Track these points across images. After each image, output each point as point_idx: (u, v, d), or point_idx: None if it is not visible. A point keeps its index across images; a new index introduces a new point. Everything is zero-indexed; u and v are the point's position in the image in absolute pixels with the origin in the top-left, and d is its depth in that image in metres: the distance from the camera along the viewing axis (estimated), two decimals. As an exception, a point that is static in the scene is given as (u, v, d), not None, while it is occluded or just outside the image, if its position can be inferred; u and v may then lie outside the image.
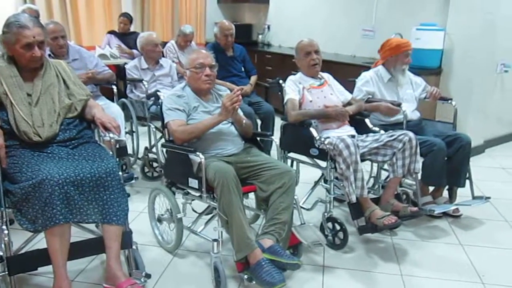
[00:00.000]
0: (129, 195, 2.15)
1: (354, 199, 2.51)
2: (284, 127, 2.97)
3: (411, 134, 2.72)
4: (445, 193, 3.19)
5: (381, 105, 3.09)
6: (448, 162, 3.03)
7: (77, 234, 2.22)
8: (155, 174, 3.72)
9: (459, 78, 4.50)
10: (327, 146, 2.62)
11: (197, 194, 2.38)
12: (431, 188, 3.18)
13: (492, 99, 4.71)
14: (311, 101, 2.90)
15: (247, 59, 4.32)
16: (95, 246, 2.09)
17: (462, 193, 3.21)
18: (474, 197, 3.20)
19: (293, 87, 2.91)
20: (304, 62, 2.96)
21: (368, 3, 5.42)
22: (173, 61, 4.32)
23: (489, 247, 2.79)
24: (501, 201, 3.37)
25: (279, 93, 3.04)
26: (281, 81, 3.02)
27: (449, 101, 3.35)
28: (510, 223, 3.11)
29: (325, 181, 3.10)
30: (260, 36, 6.78)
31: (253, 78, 4.29)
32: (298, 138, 2.85)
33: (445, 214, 3.14)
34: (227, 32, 4.04)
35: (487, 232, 2.99)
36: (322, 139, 2.69)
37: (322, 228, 2.72)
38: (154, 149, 3.67)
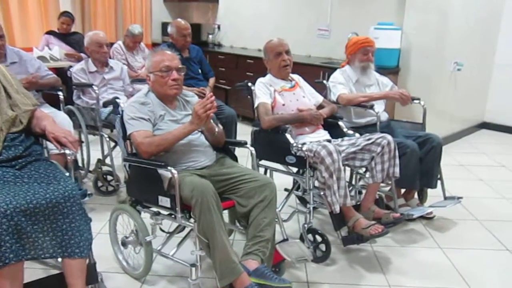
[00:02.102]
0: (91, 220, 1.85)
1: (338, 209, 2.35)
2: (256, 133, 2.76)
3: (389, 137, 2.61)
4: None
5: (303, 115, 2.70)
6: (419, 163, 2.97)
7: (32, 270, 1.88)
8: (110, 189, 3.38)
9: (416, 77, 4.53)
10: (306, 153, 2.45)
11: (169, 213, 2.11)
12: (402, 190, 3.12)
13: (447, 97, 4.79)
14: (283, 104, 2.71)
15: (204, 61, 4.06)
16: (55, 285, 1.76)
17: (431, 193, 3.18)
18: (445, 198, 3.16)
19: (264, 90, 2.71)
20: (274, 63, 2.77)
21: (323, 2, 5.35)
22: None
23: (467, 248, 2.75)
24: (468, 200, 3.36)
25: (248, 96, 2.82)
26: (250, 84, 2.80)
27: (417, 101, 3.30)
28: (481, 222, 3.10)
29: (298, 189, 2.95)
30: (210, 36, 6.52)
31: (212, 81, 4.05)
32: (272, 145, 2.66)
33: (419, 216, 3.08)
34: (185, 32, 3.76)
35: (462, 233, 2.96)
36: (299, 146, 2.52)
37: (301, 240, 2.54)
38: (108, 161, 3.33)
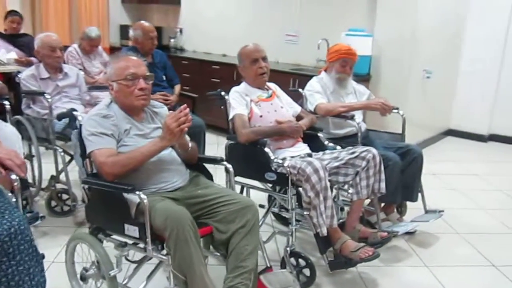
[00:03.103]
0: (43, 257, 1.54)
1: (325, 232, 2.15)
2: (231, 147, 2.52)
3: (374, 150, 2.45)
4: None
5: (283, 127, 2.50)
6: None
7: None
8: (66, 209, 3.02)
9: (387, 85, 4.45)
10: (289, 169, 2.23)
11: (138, 243, 1.83)
12: (381, 204, 2.97)
13: (417, 104, 4.74)
14: (261, 116, 2.49)
15: (169, 66, 3.78)
16: None
17: (410, 205, 3.07)
18: (426, 211, 3.04)
19: (240, 100, 2.48)
20: (250, 71, 2.54)
21: (290, 7, 5.19)
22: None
23: (453, 266, 2.63)
24: (447, 211, 3.18)
25: (222, 107, 2.58)
26: (223, 93, 2.56)
27: (396, 110, 3.16)
28: (462, 236, 3.00)
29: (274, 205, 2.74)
30: (172, 40, 6.21)
31: (177, 88, 3.77)
32: (250, 160, 2.43)
33: (401, 232, 2.94)
34: (152, 35, 3.47)
35: (445, 248, 2.84)
36: (280, 162, 2.30)
37: (283, 264, 2.33)
38: (62, 177, 2.98)
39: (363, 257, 2.13)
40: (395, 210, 3.10)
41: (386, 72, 4.46)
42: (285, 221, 2.94)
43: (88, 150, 1.87)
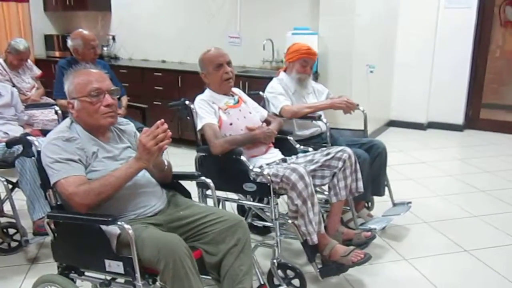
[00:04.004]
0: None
1: (315, 239, 2.07)
2: (201, 159, 2.36)
3: (348, 149, 2.40)
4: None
5: (256, 134, 2.36)
6: (367, 171, 2.83)
7: None
8: (14, 244, 2.67)
9: (335, 81, 4.48)
10: (270, 178, 2.12)
11: (123, 280, 1.62)
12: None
13: (363, 99, 4.82)
14: (231, 124, 2.35)
15: (113, 76, 3.49)
16: None
17: (376, 199, 3.07)
18: (394, 204, 3.08)
19: (208, 109, 2.32)
20: (214, 77, 2.39)
21: (231, 8, 5.07)
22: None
23: (430, 256, 2.67)
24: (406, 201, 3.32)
25: (188, 117, 2.40)
26: (187, 102, 2.39)
27: (357, 106, 3.16)
28: (430, 225, 3.07)
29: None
30: (105, 49, 5.84)
31: (124, 100, 3.52)
32: (225, 172, 2.28)
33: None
34: (94, 44, 3.19)
35: (418, 239, 2.88)
36: (259, 171, 2.18)
37: (270, 277, 2.21)
38: (7, 208, 2.64)
39: (355, 260, 2.07)
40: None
41: (333, 69, 4.49)
42: (258, 231, 2.82)
43: (52, 180, 1.63)
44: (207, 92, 2.43)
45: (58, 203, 1.73)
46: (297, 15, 4.65)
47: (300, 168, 2.07)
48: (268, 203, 2.26)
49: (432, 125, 5.88)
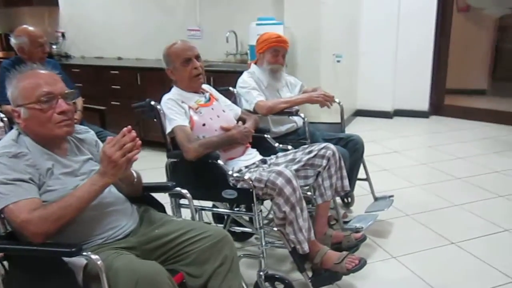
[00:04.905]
0: None
1: (306, 248, 1.88)
2: (173, 166, 2.11)
3: (332, 146, 2.24)
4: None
5: (232, 134, 2.16)
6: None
7: None
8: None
9: (303, 71, 4.32)
10: (252, 183, 1.91)
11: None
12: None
13: (331, 89, 4.69)
14: (204, 124, 2.12)
15: (65, 77, 3.13)
16: None
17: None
18: (376, 199, 2.96)
19: (177, 109, 2.08)
20: (182, 73, 2.16)
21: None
22: None
23: (417, 251, 2.56)
24: (386, 194, 3.20)
25: (154, 119, 2.15)
26: (153, 103, 2.13)
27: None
28: (413, 217, 2.97)
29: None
30: (54, 47, 5.41)
31: (79, 102, 3.19)
32: (201, 179, 2.05)
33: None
34: (42, 41, 2.85)
35: (403, 234, 2.77)
36: (239, 175, 1.97)
37: (256, 291, 2.02)
38: None
39: (350, 267, 1.91)
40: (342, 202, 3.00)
41: (300, 59, 4.33)
42: (237, 237, 2.61)
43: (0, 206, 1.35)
44: (175, 90, 2.19)
45: (8, 230, 1.45)
46: (261, 5, 4.44)
47: (287, 171, 1.88)
48: (248, 209, 2.06)
49: (398, 112, 5.85)
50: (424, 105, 5.77)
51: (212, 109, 2.20)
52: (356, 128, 5.30)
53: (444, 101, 5.88)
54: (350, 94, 5.63)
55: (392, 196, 2.93)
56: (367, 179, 2.96)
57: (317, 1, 4.20)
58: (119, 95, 4.50)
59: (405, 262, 2.44)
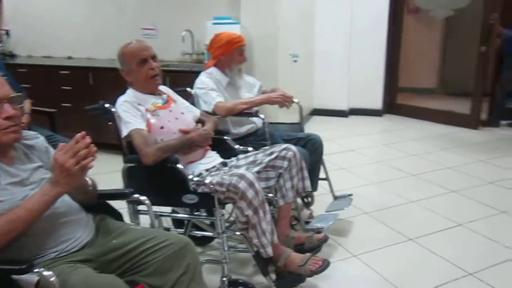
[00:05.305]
0: None
1: (270, 252, 1.86)
2: (130, 171, 2.03)
3: (293, 147, 2.23)
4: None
5: (192, 137, 2.08)
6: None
7: None
8: None
9: (261, 71, 4.30)
10: (214, 187, 1.87)
11: None
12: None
13: (288, 88, 4.71)
14: (162, 127, 2.05)
15: (11, 78, 2.97)
16: None
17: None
18: (336, 198, 2.99)
19: (134, 112, 2.00)
20: (138, 74, 2.07)
21: (142, -3, 4.67)
22: None
23: (377, 249, 2.60)
24: (344, 192, 3.24)
25: (109, 122, 2.05)
26: (108, 105, 2.04)
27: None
28: (371, 215, 3.03)
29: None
30: (-2, 45, 5.11)
31: (27, 105, 2.99)
32: (159, 184, 1.98)
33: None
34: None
35: (363, 232, 2.81)
36: (200, 179, 1.92)
37: (219, 298, 1.97)
38: None
39: (314, 269, 1.91)
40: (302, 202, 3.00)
41: (257, 59, 4.31)
42: (197, 242, 2.55)
43: None
44: (130, 92, 2.10)
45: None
46: (217, 4, 4.38)
47: (249, 175, 1.85)
48: (210, 213, 2.02)
49: (354, 111, 5.97)
50: (378, 104, 5.93)
51: (170, 111, 2.13)
52: (313, 128, 5.34)
53: (396, 100, 6.06)
54: (307, 94, 5.69)
55: (351, 194, 2.97)
56: (326, 178, 2.99)
57: (274, 1, 4.21)
58: (70, 96, 4.31)
59: (365, 260, 2.48)
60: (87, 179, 1.53)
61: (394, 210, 3.09)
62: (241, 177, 1.83)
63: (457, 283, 2.24)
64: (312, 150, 2.75)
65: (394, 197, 3.30)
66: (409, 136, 4.97)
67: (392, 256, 2.52)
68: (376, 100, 5.92)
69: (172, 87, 2.51)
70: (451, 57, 6.89)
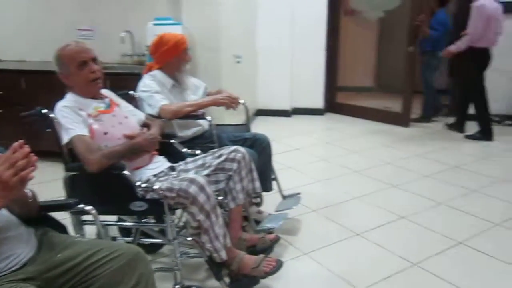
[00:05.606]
0: None
1: (224, 256, 1.84)
2: (72, 180, 1.92)
3: (242, 149, 2.22)
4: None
5: (138, 142, 1.97)
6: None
7: None
8: None
9: (204, 73, 4.28)
10: (163, 193, 1.81)
11: None
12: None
13: (233, 90, 4.70)
14: (106, 133, 1.96)
15: None
16: None
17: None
18: (284, 197, 3.01)
19: (74, 118, 1.89)
20: (78, 77, 1.97)
21: (77, -2, 4.46)
22: None
23: (327, 246, 2.65)
24: (294, 191, 3.29)
25: (48, 130, 1.93)
26: (45, 111, 1.91)
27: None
28: (319, 213, 3.08)
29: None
30: None
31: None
32: (105, 192, 1.89)
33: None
34: None
35: (312, 230, 2.85)
36: (148, 186, 1.86)
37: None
38: None
39: (268, 270, 1.91)
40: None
41: (201, 60, 4.28)
42: (146, 249, 2.47)
43: None
44: (70, 96, 1.99)
45: None
46: (158, 5, 4.27)
47: (199, 178, 1.81)
48: (159, 220, 1.96)
49: (297, 111, 6.08)
50: (319, 103, 6.07)
51: (114, 115, 2.04)
52: (257, 128, 5.33)
53: (336, 99, 6.24)
54: (251, 94, 5.71)
55: (299, 193, 3.01)
56: (275, 178, 3.00)
57: (216, 1, 4.18)
58: (1, 102, 4.03)
59: (316, 257, 2.52)
60: (27, 190, 1.43)
61: (340, 207, 3.17)
62: (192, 181, 1.79)
63: (403, 274, 2.33)
64: (260, 150, 2.76)
65: (340, 193, 3.39)
66: (350, 134, 5.14)
67: (341, 252, 2.58)
68: (317, 100, 6.06)
69: (113, 90, 2.42)
70: (385, 56, 7.22)
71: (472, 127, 4.98)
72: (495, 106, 5.15)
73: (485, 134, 4.83)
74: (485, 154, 4.42)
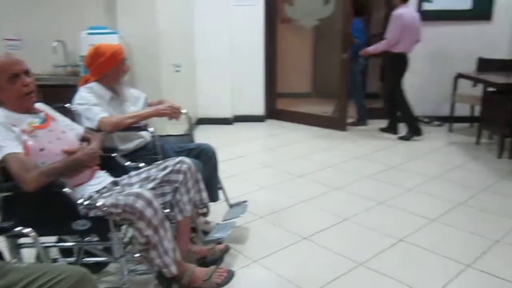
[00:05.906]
0: None
1: (174, 271, 1.79)
2: (8, 201, 1.79)
3: (187, 160, 2.20)
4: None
5: (78, 157, 1.88)
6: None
7: None
8: None
9: (143, 82, 4.18)
10: (108, 209, 1.74)
11: None
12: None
13: (172, 99, 4.64)
14: (42, 149, 1.85)
15: None
16: None
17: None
18: (231, 206, 3.01)
19: (6, 135, 1.78)
20: (9, 92, 1.85)
21: (3, 4, 4.20)
22: None
23: (276, 251, 2.67)
24: (240, 199, 3.29)
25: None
26: (-28, 129, 1.78)
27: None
28: (266, 219, 3.11)
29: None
30: None
31: None
32: (45, 212, 1.78)
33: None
34: None
35: (260, 237, 2.86)
36: (91, 203, 1.78)
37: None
38: None
39: (220, 281, 1.90)
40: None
41: (139, 69, 4.19)
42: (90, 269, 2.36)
43: None
44: (2, 112, 1.86)
45: None
46: (91, 13, 4.15)
47: (146, 193, 1.76)
48: (102, 238, 1.88)
49: (238, 118, 6.11)
50: (260, 110, 6.14)
51: (50, 130, 1.94)
52: (200, 137, 5.28)
53: (276, 105, 6.35)
54: (190, 104, 5.66)
55: (246, 201, 3.01)
56: (221, 187, 2.99)
57: (152, 9, 4.12)
58: None
59: (265, 264, 2.53)
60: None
61: (286, 212, 3.22)
62: (138, 196, 1.74)
63: (350, 274, 2.40)
64: (206, 159, 2.75)
65: (285, 199, 3.44)
66: (292, 139, 5.24)
67: (290, 257, 2.61)
68: (258, 107, 6.13)
69: (48, 103, 2.29)
70: (321, 63, 7.45)
71: (404, 128, 5.27)
72: (424, 108, 5.49)
73: (414, 132, 5.14)
74: (418, 154, 4.68)
